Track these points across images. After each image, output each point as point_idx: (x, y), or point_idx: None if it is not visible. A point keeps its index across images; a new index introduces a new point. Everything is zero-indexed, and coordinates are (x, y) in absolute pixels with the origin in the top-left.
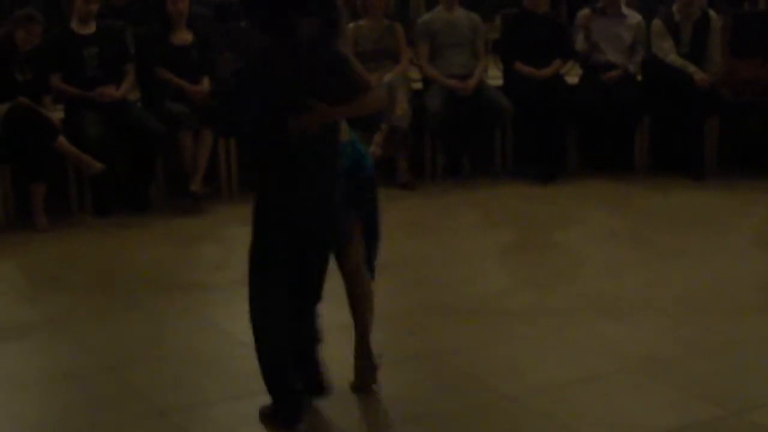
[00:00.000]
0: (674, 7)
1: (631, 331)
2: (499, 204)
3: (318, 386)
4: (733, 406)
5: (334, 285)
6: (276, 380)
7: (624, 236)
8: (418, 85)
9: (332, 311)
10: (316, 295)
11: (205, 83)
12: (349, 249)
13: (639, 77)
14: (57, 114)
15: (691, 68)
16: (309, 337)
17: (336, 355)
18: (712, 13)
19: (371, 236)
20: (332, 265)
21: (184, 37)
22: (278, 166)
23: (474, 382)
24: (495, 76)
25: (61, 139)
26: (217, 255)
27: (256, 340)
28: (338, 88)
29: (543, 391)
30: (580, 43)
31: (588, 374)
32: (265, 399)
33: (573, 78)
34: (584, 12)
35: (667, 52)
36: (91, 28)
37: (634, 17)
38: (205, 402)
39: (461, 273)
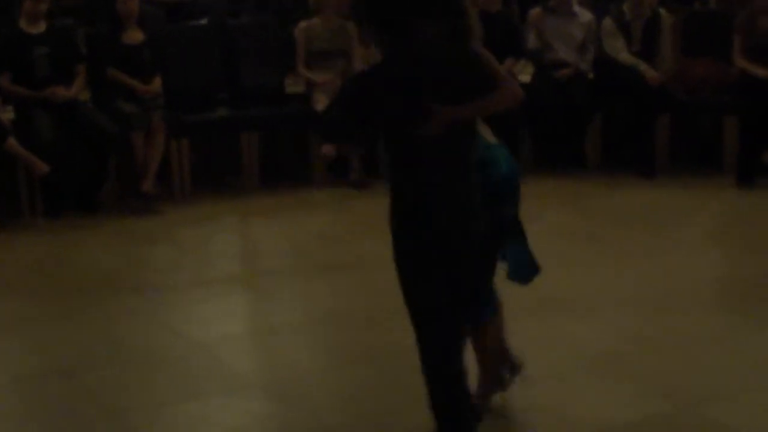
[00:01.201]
0: (625, 6)
1: (587, 328)
2: None
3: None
4: (687, 401)
5: None
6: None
7: (577, 234)
8: None
9: None
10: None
11: (157, 83)
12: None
13: (590, 76)
14: (7, 115)
15: (643, 66)
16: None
17: None
18: (662, 11)
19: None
20: None
21: (135, 36)
22: (407, 171)
23: None
24: None
25: (11, 141)
26: (169, 256)
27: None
28: (464, 88)
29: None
30: (532, 41)
31: (546, 371)
32: (219, 398)
33: (525, 76)
34: (536, 11)
35: (619, 50)
36: (41, 28)
37: (586, 16)
38: (160, 403)
39: None
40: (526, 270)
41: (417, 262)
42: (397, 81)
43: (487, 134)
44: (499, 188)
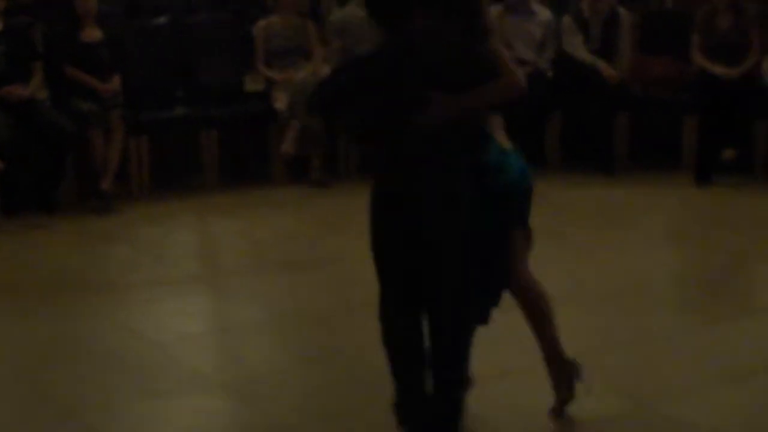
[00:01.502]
0: (584, 4)
1: None
2: None
3: None
4: (645, 398)
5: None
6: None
7: (537, 231)
8: None
9: None
10: (443, 310)
11: (115, 81)
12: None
13: (550, 74)
14: None
15: (601, 64)
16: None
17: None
18: (621, 9)
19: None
20: None
21: (93, 34)
22: (391, 160)
23: (389, 379)
24: None
25: None
26: (128, 255)
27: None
28: (459, 80)
29: None
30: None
31: (504, 368)
32: (177, 397)
33: None
34: (496, 9)
35: (577, 48)
36: None
37: (544, 14)
38: (117, 402)
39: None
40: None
41: (383, 235)
42: (391, 68)
43: (502, 139)
44: (507, 193)
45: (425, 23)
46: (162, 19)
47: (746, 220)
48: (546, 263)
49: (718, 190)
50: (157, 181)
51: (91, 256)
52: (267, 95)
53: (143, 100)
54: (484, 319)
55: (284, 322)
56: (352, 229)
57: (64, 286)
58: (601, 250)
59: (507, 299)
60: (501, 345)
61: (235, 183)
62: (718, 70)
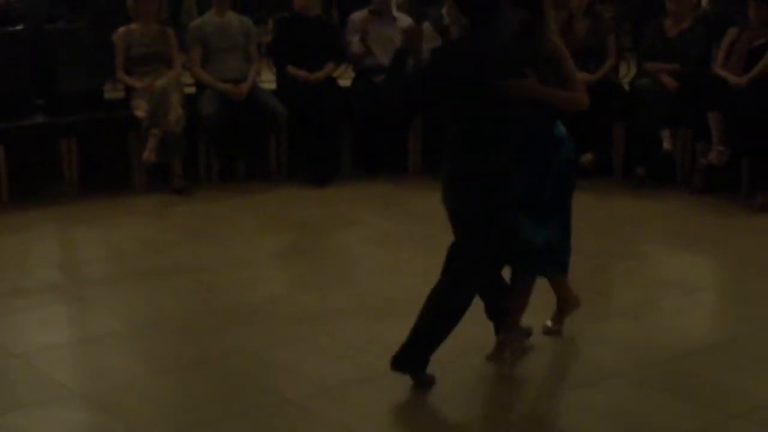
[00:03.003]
0: (444, 11)
1: (406, 331)
2: (276, 208)
3: None
4: (504, 399)
5: None
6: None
7: (399, 238)
8: (192, 90)
9: None
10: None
11: None
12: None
13: None
14: None
15: None
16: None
17: None
18: None
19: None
20: None
21: None
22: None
23: (254, 386)
24: (268, 80)
25: None
26: None
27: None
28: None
29: (323, 393)
30: (355, 45)
31: (366, 374)
32: (39, 409)
33: (346, 81)
34: (362, 14)
35: None
36: None
37: (405, 20)
38: None
39: (239, 278)
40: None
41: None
42: (473, 61)
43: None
44: (569, 166)
45: (510, 19)
46: (19, 27)
47: (606, 223)
48: (409, 269)
49: (578, 194)
50: (16, 190)
51: None
52: (127, 103)
53: (0, 108)
54: (564, 269)
55: (146, 331)
56: (212, 237)
57: None
58: None
59: (381, 309)
60: (363, 352)
61: (96, 191)
62: (577, 75)
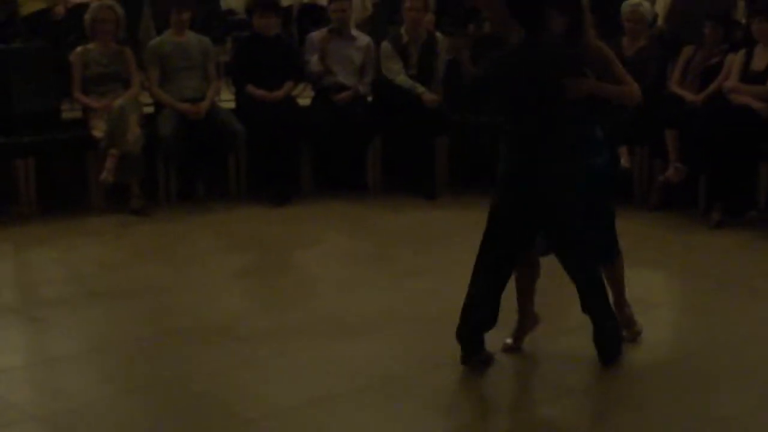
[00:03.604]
0: (402, 29)
1: (367, 350)
2: (235, 227)
3: None
4: (466, 417)
5: None
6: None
7: (359, 256)
8: (150, 110)
9: None
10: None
11: None
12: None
13: (370, 98)
14: None
15: (420, 89)
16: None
17: None
18: (438, 34)
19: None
20: None
21: None
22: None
23: (212, 407)
24: (227, 99)
25: None
26: None
27: None
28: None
29: (282, 413)
30: (314, 64)
31: (326, 394)
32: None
33: (305, 100)
34: (321, 33)
35: (396, 73)
36: None
37: (363, 39)
38: None
39: (198, 298)
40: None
41: None
42: (528, 65)
43: None
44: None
45: (558, 27)
46: None
47: None
48: (368, 288)
49: None
50: None
51: None
52: (85, 123)
53: None
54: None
55: (103, 352)
56: (171, 257)
57: None
58: (422, 274)
59: (341, 326)
60: (323, 372)
61: (53, 212)
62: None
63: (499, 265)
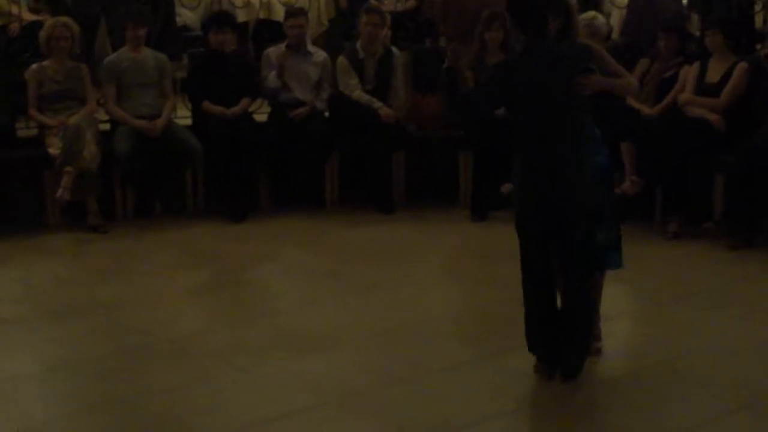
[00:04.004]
0: (358, 45)
1: (325, 365)
2: (193, 244)
3: None
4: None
5: None
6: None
7: (318, 272)
8: (106, 127)
9: None
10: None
11: None
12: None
13: (327, 114)
14: None
15: (377, 104)
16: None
17: None
18: (395, 49)
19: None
20: None
21: None
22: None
23: (170, 425)
24: (184, 116)
25: None
26: None
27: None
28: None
29: (240, 430)
30: (272, 80)
31: (286, 410)
32: None
33: (262, 116)
34: (278, 50)
35: (353, 88)
36: None
37: (320, 55)
38: None
39: (157, 315)
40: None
41: None
42: (536, 71)
43: None
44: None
45: (554, 29)
46: None
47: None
48: (326, 303)
49: (494, 225)
50: None
51: None
52: (41, 141)
53: None
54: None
55: (62, 371)
56: (129, 274)
57: None
58: (381, 288)
59: (299, 342)
60: (282, 388)
61: (9, 230)
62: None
63: (538, 278)
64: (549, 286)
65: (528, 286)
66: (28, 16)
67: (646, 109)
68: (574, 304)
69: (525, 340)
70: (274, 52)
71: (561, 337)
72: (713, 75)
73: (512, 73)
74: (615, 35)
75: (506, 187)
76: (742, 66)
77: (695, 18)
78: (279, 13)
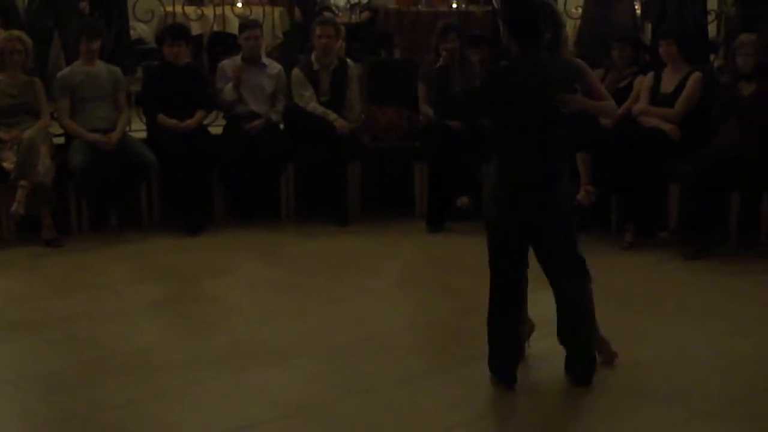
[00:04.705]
0: (313, 56)
1: (282, 378)
2: (148, 257)
3: None
4: None
5: None
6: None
7: (273, 284)
8: (61, 140)
9: None
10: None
11: None
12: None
13: (282, 126)
14: None
15: (332, 116)
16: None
17: None
18: (350, 61)
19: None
20: None
21: None
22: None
23: None
24: (139, 129)
25: None
26: None
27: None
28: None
29: None
30: (227, 93)
31: (242, 424)
32: None
33: (216, 129)
34: (233, 62)
35: (308, 100)
36: None
37: (274, 67)
38: None
39: (111, 329)
40: None
41: None
42: (523, 83)
43: None
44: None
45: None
46: None
47: (476, 265)
48: (282, 316)
49: (450, 236)
50: None
51: None
52: None
53: None
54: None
55: (17, 386)
56: (84, 288)
57: None
58: (338, 300)
59: (254, 355)
60: (238, 401)
61: None
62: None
63: (508, 289)
64: (518, 297)
65: (496, 297)
66: None
67: (601, 120)
68: (573, 313)
69: (487, 361)
70: (229, 64)
71: (566, 348)
72: (667, 85)
73: (500, 81)
74: (570, 45)
75: (462, 200)
76: (696, 76)
77: (648, 27)
78: (233, 26)
